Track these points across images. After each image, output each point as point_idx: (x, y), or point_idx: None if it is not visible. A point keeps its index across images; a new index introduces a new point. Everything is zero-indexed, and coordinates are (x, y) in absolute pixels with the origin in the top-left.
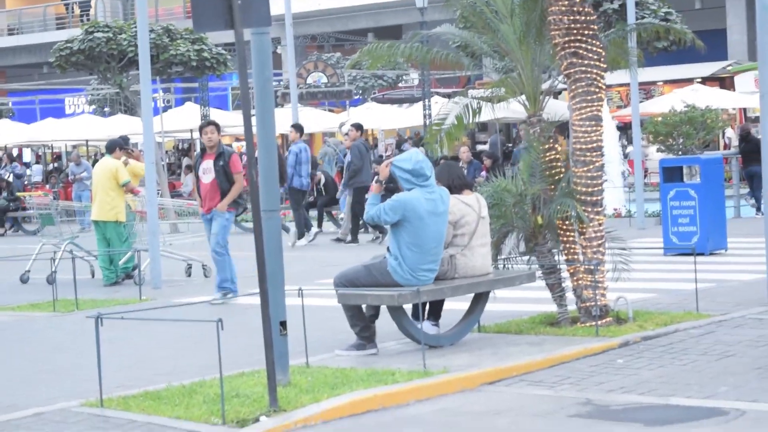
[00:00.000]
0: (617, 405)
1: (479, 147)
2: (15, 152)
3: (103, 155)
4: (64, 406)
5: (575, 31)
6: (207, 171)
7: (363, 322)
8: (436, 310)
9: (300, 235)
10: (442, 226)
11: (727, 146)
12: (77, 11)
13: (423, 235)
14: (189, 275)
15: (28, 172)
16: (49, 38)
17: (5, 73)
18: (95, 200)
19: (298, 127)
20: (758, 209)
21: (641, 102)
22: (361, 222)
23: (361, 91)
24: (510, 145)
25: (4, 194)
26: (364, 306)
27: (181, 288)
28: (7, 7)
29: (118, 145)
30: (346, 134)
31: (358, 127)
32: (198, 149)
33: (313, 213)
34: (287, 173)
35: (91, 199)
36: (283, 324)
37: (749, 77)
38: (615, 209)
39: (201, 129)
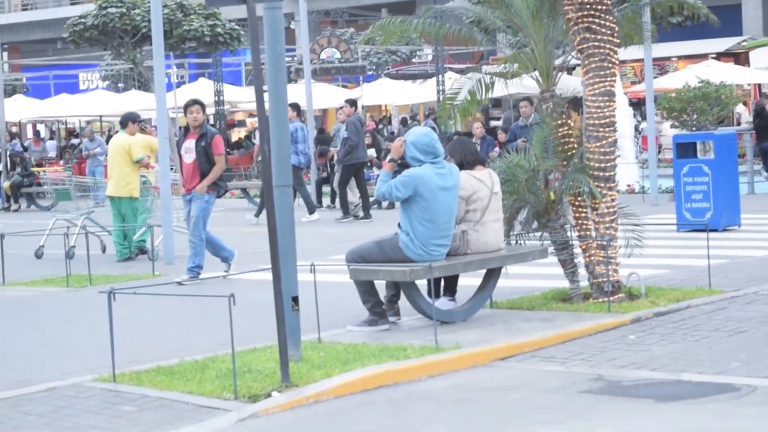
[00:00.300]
0: (629, 381)
1: (493, 123)
2: (30, 128)
3: (117, 132)
4: (76, 381)
5: (588, 6)
6: (189, 150)
7: (375, 298)
8: (451, 285)
9: (311, 210)
10: (452, 201)
11: (738, 122)
12: None
13: (434, 209)
14: None
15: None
16: (63, 13)
17: (19, 49)
18: (110, 176)
19: (294, 106)
20: None
21: (655, 78)
22: (372, 198)
23: (374, 67)
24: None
25: (18, 170)
26: (384, 284)
27: None
28: None
29: (131, 119)
30: (341, 108)
31: (351, 102)
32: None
33: (326, 189)
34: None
35: (106, 174)
36: (295, 299)
37: (764, 53)
38: (628, 185)
39: (186, 108)
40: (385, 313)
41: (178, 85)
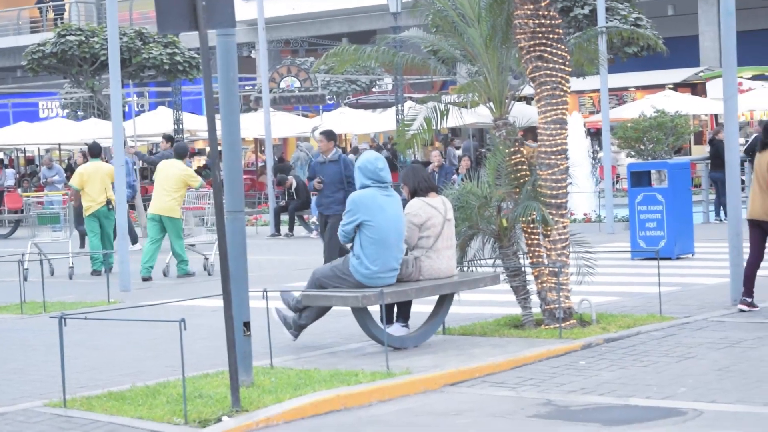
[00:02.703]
0: (577, 405)
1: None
2: None
3: (76, 160)
4: (27, 406)
5: (540, 35)
6: None
7: (309, 321)
8: (404, 311)
9: (134, 241)
10: (399, 222)
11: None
12: (51, 15)
13: (382, 229)
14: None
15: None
16: (24, 42)
17: None
18: (161, 196)
19: (168, 138)
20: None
21: (613, 108)
22: None
23: (334, 96)
24: (483, 150)
25: None
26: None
27: (151, 290)
28: None
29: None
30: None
31: (168, 138)
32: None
33: (285, 217)
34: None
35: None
36: (247, 324)
37: (721, 84)
38: (585, 214)
39: None
40: (300, 331)
41: (138, 113)
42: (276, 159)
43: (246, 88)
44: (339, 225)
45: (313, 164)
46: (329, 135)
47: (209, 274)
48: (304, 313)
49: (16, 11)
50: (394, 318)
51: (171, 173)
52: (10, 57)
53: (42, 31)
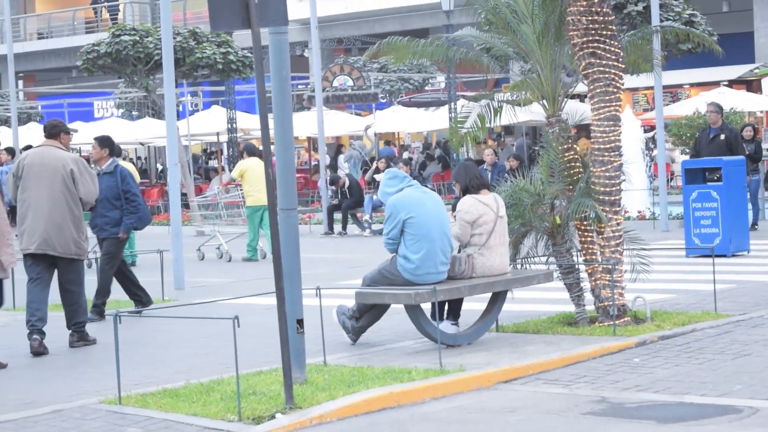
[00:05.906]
0: (631, 403)
1: None
2: None
3: (127, 158)
4: (82, 403)
5: (593, 32)
6: None
7: (367, 323)
8: (455, 309)
9: None
10: (441, 216)
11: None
12: (106, 15)
13: (425, 224)
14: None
15: None
16: (78, 42)
17: (35, 77)
18: (256, 190)
19: (10, 150)
20: None
21: (667, 105)
22: None
23: (387, 95)
24: (536, 148)
25: None
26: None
27: (204, 289)
28: (37, 11)
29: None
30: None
31: (9, 150)
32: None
33: (338, 215)
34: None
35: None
36: (300, 322)
37: None
38: (639, 212)
39: None
40: (359, 335)
41: (192, 113)
42: (329, 158)
43: (299, 87)
44: (120, 250)
45: (97, 171)
46: (102, 141)
47: None
48: (363, 317)
49: (71, 12)
50: (445, 315)
51: (258, 167)
52: (66, 57)
53: (97, 31)
